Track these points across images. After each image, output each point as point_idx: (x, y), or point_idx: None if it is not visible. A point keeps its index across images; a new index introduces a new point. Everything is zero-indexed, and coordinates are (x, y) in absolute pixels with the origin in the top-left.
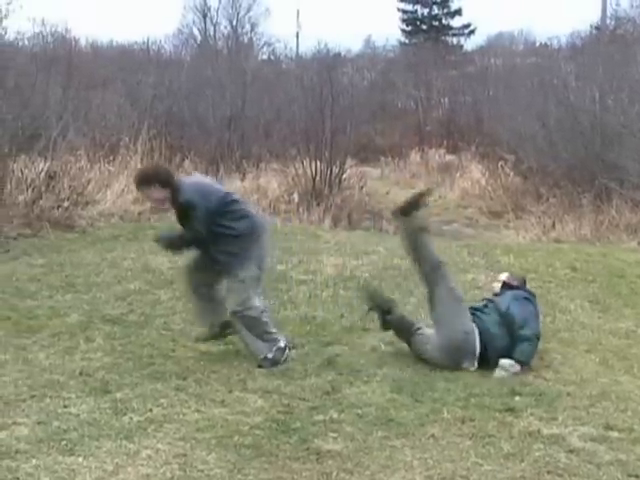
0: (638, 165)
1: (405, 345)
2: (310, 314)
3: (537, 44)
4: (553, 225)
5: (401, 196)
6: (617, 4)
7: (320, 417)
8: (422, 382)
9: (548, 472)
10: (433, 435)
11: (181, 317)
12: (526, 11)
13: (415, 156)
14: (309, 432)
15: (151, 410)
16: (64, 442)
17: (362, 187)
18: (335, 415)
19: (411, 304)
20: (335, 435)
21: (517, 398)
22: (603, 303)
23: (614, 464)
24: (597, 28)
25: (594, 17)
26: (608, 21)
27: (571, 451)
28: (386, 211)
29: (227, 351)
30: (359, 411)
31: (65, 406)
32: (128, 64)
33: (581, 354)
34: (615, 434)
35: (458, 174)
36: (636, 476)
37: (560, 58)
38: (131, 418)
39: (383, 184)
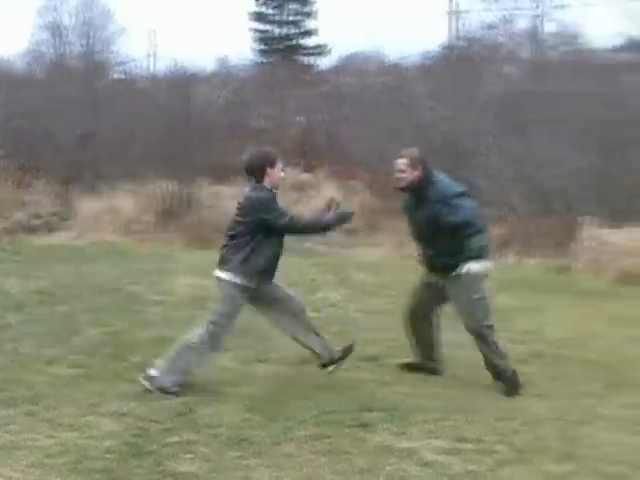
0: (489, 182)
1: (259, 365)
2: (165, 335)
3: (389, 64)
4: (406, 242)
5: None
6: (465, 24)
7: (175, 439)
8: (276, 401)
9: None
10: (288, 453)
11: (32, 341)
12: (378, 31)
13: None
14: (163, 454)
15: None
16: None
17: (217, 206)
18: (190, 436)
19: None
20: (190, 456)
21: (370, 413)
22: (454, 317)
23: (466, 476)
24: (447, 48)
25: (444, 37)
26: (457, 41)
27: (424, 464)
28: None
29: (78, 375)
30: (214, 431)
31: None
32: None
33: None
34: (466, 446)
35: (313, 192)
36: None
37: (411, 77)
38: None
39: None
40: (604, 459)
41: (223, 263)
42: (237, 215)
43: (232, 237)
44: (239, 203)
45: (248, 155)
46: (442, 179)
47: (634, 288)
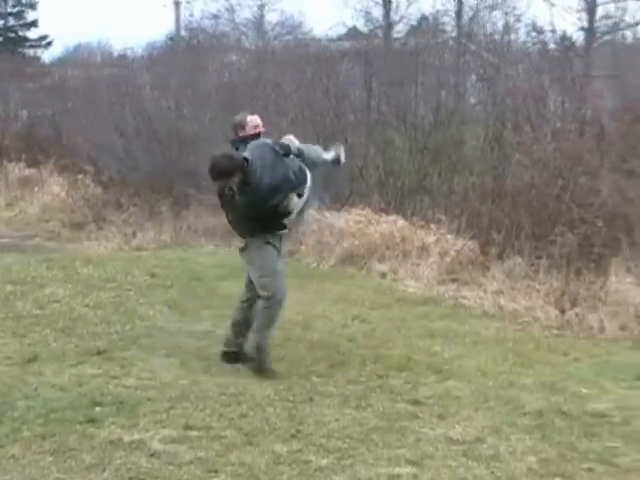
0: None
1: None
2: None
3: (115, 55)
4: (134, 234)
5: None
6: (190, 15)
7: None
8: (1, 402)
9: (130, 478)
10: (13, 455)
11: None
12: (104, 23)
13: None
14: None
15: None
16: None
17: None
18: None
19: None
20: None
21: (98, 409)
22: (182, 307)
23: (194, 462)
24: (172, 39)
25: (169, 28)
26: (182, 32)
27: (152, 455)
28: None
29: None
30: None
31: None
32: None
33: (161, 358)
34: (195, 433)
35: (37, 188)
36: (215, 471)
37: (136, 68)
38: None
39: None
40: (329, 435)
41: None
42: None
43: None
44: None
45: None
46: None
47: (355, 269)
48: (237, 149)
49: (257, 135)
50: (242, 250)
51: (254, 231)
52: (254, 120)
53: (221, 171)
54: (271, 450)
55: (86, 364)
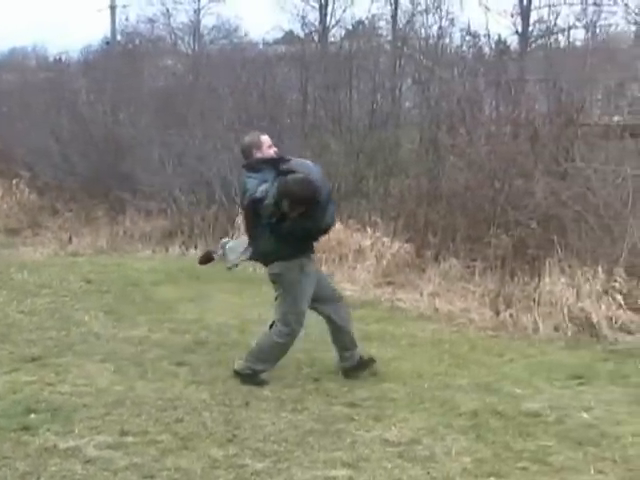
0: (149, 175)
1: None
2: None
3: (50, 59)
4: (70, 239)
5: None
6: (126, 19)
7: None
8: None
9: None
10: None
11: None
12: (39, 27)
13: None
14: None
15: None
16: None
17: None
18: None
19: None
20: None
21: (32, 416)
22: (117, 312)
23: (130, 468)
24: (107, 43)
25: (105, 32)
26: (118, 36)
27: (87, 461)
28: None
29: None
30: None
31: None
32: None
33: (97, 364)
34: (130, 439)
35: None
36: (151, 477)
37: (72, 73)
38: None
39: None
40: (265, 439)
41: None
42: None
43: None
44: None
45: None
46: None
47: None
48: (259, 172)
49: (278, 155)
50: (277, 275)
51: (291, 254)
52: (267, 140)
53: (314, 195)
54: (207, 454)
55: (20, 371)
